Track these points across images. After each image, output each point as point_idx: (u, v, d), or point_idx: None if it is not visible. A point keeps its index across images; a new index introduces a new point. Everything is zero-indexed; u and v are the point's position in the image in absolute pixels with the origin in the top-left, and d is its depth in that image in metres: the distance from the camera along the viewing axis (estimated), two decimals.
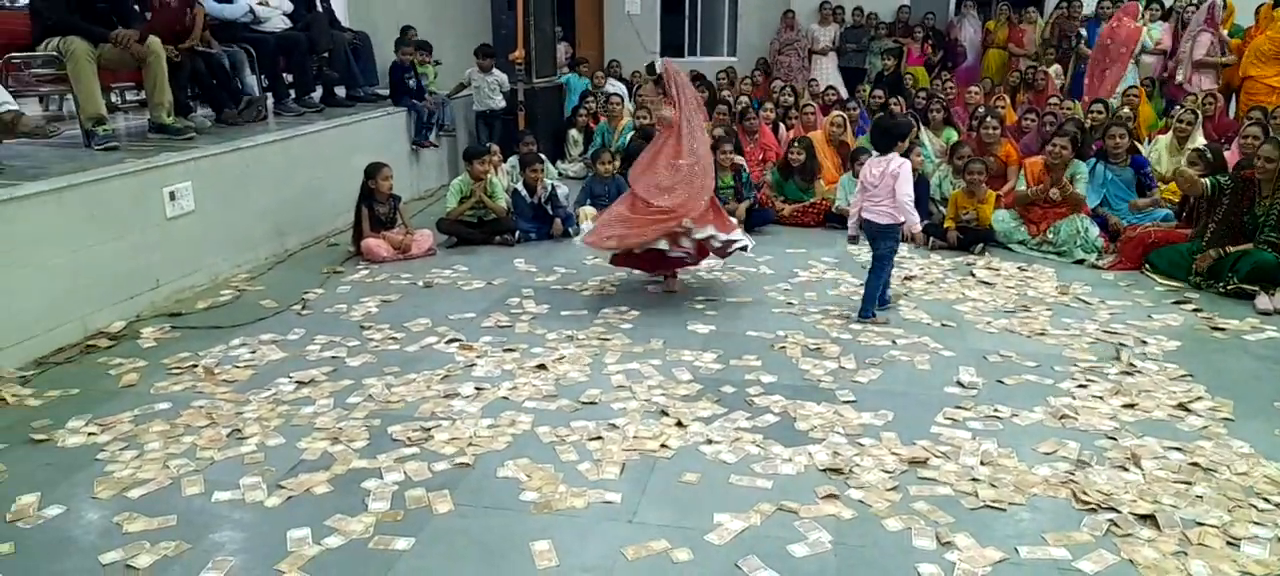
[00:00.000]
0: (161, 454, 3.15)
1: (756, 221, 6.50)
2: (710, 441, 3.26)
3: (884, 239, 4.53)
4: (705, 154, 4.80)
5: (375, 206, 5.86)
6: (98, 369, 3.95)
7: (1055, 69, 9.94)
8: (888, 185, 4.40)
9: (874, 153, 4.65)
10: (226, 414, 3.47)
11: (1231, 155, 6.20)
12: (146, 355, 4.10)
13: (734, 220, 5.26)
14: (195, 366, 3.95)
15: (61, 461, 3.12)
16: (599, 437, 3.27)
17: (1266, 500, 2.84)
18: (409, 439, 3.26)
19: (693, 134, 4.76)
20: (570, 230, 6.39)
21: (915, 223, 4.57)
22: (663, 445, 3.21)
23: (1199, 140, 6.66)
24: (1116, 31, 9.04)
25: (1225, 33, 9.35)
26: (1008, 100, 8.89)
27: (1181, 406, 3.53)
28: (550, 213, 6.39)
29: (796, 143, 6.92)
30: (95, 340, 4.24)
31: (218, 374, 3.88)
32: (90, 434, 3.31)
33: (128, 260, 4.57)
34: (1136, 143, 6.35)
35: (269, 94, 6.75)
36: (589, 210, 6.57)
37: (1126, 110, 7.57)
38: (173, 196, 4.85)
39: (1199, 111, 7.30)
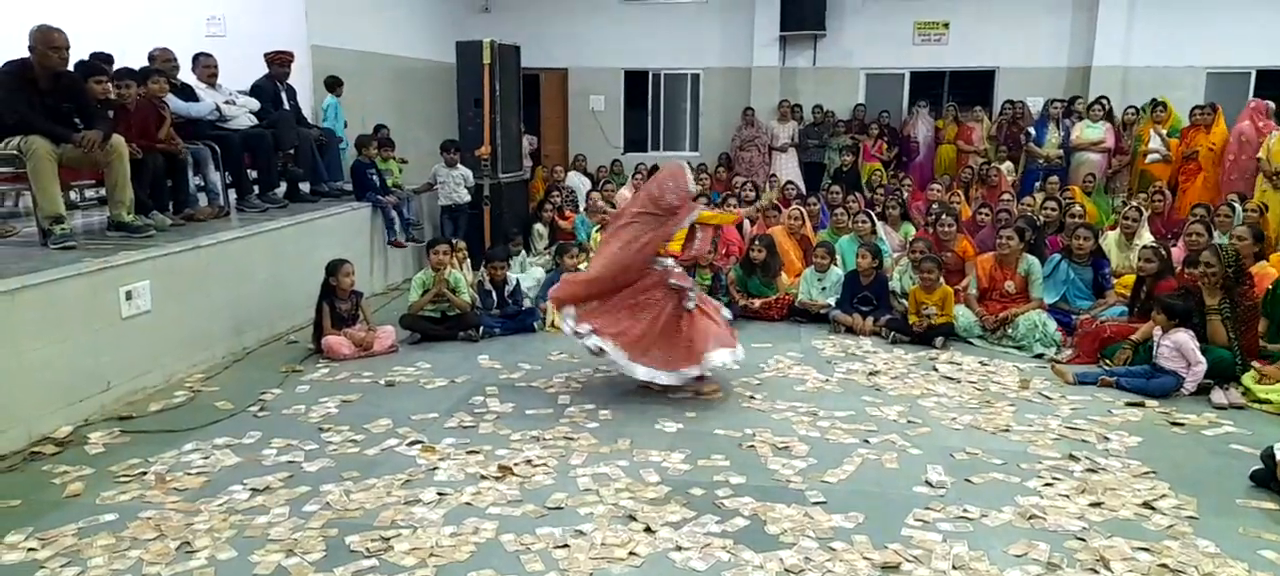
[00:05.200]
0: (106, 569, 3.01)
1: None
2: (679, 547, 3.19)
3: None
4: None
5: (336, 303, 5.79)
6: (41, 477, 3.78)
7: (1007, 166, 10.29)
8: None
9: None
10: (176, 525, 3.33)
11: (1177, 251, 6.40)
12: (93, 462, 3.94)
13: (713, 342, 4.75)
14: (144, 474, 3.81)
15: None
16: (565, 546, 3.19)
17: None
18: (368, 549, 3.15)
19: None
20: (535, 325, 6.38)
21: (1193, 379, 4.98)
22: (631, 553, 3.14)
23: (1146, 236, 6.88)
24: (1267, 129, 8.83)
25: (1165, 132, 9.80)
26: (961, 195, 9.15)
27: (1147, 504, 3.55)
28: (512, 306, 6.39)
29: (758, 240, 7.00)
30: (40, 447, 4.07)
31: (168, 481, 3.73)
32: (30, 549, 3.15)
33: (78, 361, 4.43)
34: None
35: (232, 190, 6.73)
36: None
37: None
38: (129, 296, 4.75)
39: (1145, 208, 7.56)
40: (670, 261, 4.94)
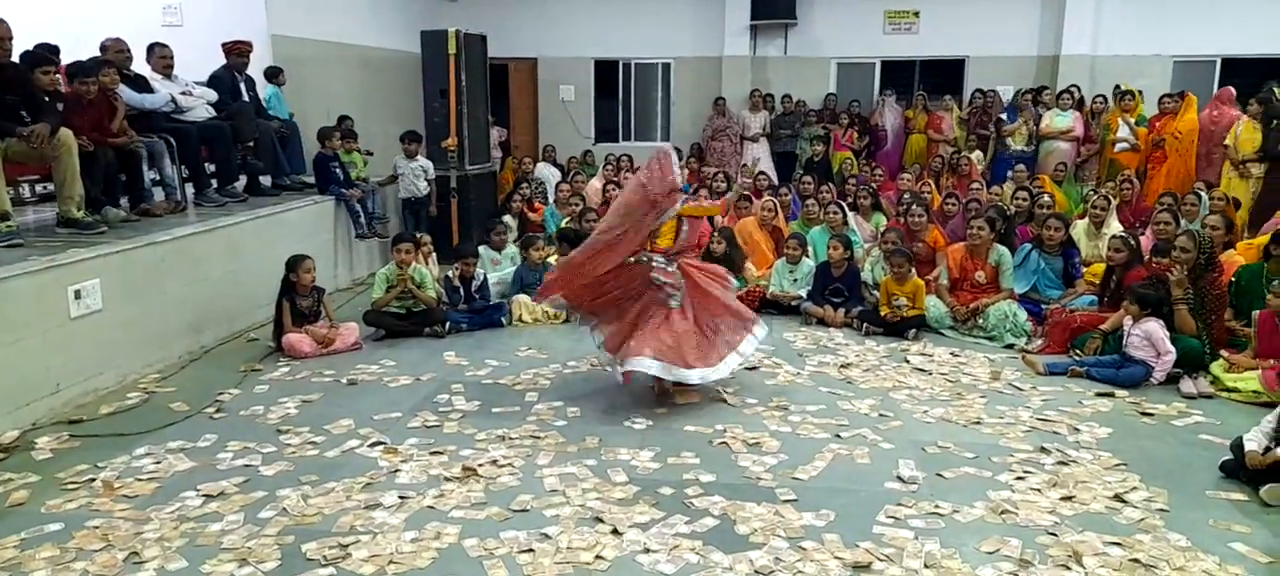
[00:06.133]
0: None
1: None
2: (647, 549, 3.12)
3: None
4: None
5: (297, 299, 5.64)
6: None
7: (977, 155, 10.30)
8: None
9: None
10: (124, 534, 3.20)
11: (1146, 240, 6.42)
12: (40, 469, 3.79)
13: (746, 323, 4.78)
14: (93, 481, 3.66)
15: None
16: (530, 550, 3.10)
17: None
18: (325, 558, 3.04)
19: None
20: (502, 320, 6.28)
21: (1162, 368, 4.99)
22: (598, 556, 3.06)
23: (1114, 225, 6.89)
24: (1218, 119, 9.07)
25: (1132, 121, 9.85)
26: (932, 184, 9.14)
27: (1118, 497, 3.52)
28: (480, 301, 6.28)
29: (717, 233, 6.91)
30: None
31: (118, 488, 3.59)
32: None
33: (25, 363, 4.26)
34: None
35: (190, 184, 6.53)
36: (523, 298, 6.45)
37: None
38: (78, 295, 4.57)
39: (1114, 197, 7.58)
40: (659, 258, 4.64)
